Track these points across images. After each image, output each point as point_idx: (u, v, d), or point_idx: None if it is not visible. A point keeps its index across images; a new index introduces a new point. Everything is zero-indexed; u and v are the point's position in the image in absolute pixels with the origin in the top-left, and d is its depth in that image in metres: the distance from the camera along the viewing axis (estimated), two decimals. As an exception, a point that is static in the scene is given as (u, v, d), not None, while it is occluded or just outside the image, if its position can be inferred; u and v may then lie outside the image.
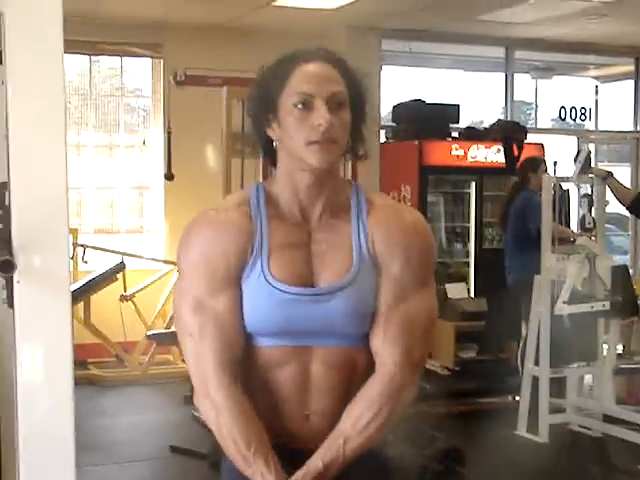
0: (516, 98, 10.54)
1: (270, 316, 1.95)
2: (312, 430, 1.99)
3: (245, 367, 2.01)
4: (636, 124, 11.08)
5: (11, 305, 2.81)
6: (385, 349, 1.99)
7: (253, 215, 1.98)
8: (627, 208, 6.74)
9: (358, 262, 1.96)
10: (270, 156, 2.03)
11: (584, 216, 6.38)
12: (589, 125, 10.97)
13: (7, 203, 2.82)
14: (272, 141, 1.98)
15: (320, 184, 1.96)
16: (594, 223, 6.38)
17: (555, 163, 6.60)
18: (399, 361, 1.98)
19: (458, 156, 8.57)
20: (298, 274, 1.96)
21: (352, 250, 1.97)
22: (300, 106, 1.89)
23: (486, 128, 9.02)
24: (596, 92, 11.29)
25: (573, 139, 10.77)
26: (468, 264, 8.87)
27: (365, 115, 2.01)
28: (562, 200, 6.87)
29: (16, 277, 2.77)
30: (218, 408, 1.96)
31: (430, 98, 8.89)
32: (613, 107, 11.31)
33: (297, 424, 2.00)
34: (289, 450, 1.98)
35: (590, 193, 6.53)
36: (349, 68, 1.96)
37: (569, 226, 7.53)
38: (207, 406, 1.98)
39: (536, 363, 6.42)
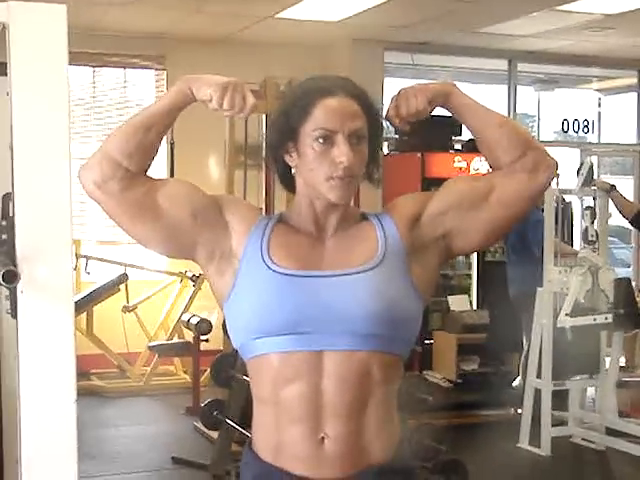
0: (519, 110, 10.55)
1: (278, 302, 1.88)
2: (327, 458, 1.88)
3: (255, 383, 1.96)
4: (639, 136, 11.09)
5: (15, 316, 2.82)
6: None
7: (261, 218, 2.00)
8: (630, 221, 6.75)
9: (383, 251, 1.93)
10: (286, 182, 2.04)
11: (587, 229, 6.38)
12: (592, 138, 10.98)
13: (11, 214, 2.83)
14: (290, 168, 1.99)
15: (336, 206, 1.97)
16: (597, 236, 6.39)
17: (557, 175, 6.61)
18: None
19: (461, 168, 8.57)
20: (302, 261, 1.92)
21: (377, 242, 1.94)
22: (321, 140, 1.89)
23: (489, 140, 9.01)
24: (599, 104, 11.29)
25: (576, 151, 10.77)
26: (470, 276, 8.86)
27: (382, 142, 2.04)
28: (565, 213, 6.87)
29: (20, 287, 2.78)
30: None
31: (433, 110, 8.89)
32: (616, 119, 11.31)
33: (311, 451, 1.88)
34: (301, 479, 1.90)
35: (593, 206, 6.53)
36: (369, 100, 1.97)
37: (572, 238, 7.53)
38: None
39: (538, 376, 6.42)
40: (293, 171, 1.98)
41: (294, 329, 1.87)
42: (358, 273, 1.90)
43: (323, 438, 1.88)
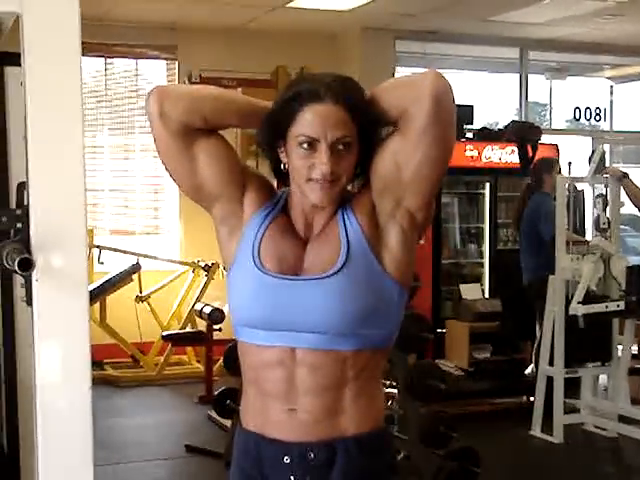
0: (530, 99, 10.54)
1: (255, 300, 2.00)
2: (298, 424, 2.01)
3: (242, 362, 2.10)
4: (651, 124, 11.07)
5: (30, 303, 2.84)
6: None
7: (267, 204, 2.07)
8: (642, 210, 6.74)
9: (345, 253, 1.96)
10: (278, 174, 2.11)
11: (599, 216, 6.38)
12: (604, 126, 10.96)
13: (26, 202, 2.85)
14: (281, 162, 2.05)
15: (323, 207, 2.02)
16: (609, 223, 6.38)
17: (570, 164, 6.61)
18: None
19: (472, 157, 8.55)
20: (285, 264, 2.00)
21: (340, 244, 1.98)
22: (305, 146, 1.94)
23: (500, 129, 9.01)
24: (611, 92, 11.27)
25: (588, 140, 10.75)
26: (482, 265, 8.86)
27: (378, 143, 1.99)
28: (577, 200, 6.86)
29: (35, 275, 2.79)
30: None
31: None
32: (628, 107, 11.29)
33: (283, 417, 2.02)
34: (274, 441, 2.02)
35: (605, 193, 6.52)
36: (360, 103, 1.96)
37: (584, 226, 7.53)
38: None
39: (550, 363, 6.43)
40: (285, 166, 2.03)
41: (269, 326, 1.99)
42: (323, 278, 1.96)
43: (295, 409, 2.00)
